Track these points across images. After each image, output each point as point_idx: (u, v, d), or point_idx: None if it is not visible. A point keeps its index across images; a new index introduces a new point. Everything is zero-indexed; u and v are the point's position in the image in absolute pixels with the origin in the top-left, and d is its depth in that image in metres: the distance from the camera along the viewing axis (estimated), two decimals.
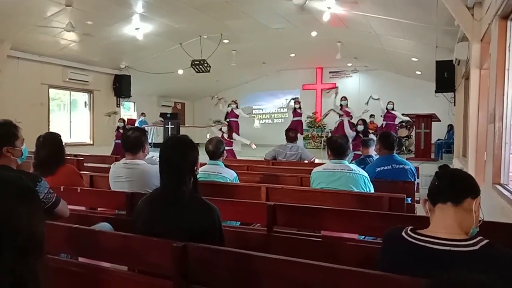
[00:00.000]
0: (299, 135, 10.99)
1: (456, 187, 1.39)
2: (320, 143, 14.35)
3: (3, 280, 0.78)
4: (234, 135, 8.57)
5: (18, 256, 0.80)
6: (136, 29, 9.66)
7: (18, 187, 0.89)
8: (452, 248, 1.31)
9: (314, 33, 10.69)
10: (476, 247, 1.30)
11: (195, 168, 1.92)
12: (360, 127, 7.25)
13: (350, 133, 7.71)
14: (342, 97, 10.78)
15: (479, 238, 1.34)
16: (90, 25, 8.93)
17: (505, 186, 3.50)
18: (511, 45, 3.63)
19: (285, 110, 16.32)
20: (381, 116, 10.76)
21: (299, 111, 11.26)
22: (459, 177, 1.43)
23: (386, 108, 10.53)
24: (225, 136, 8.17)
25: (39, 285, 0.84)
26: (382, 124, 10.55)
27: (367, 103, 10.86)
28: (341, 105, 10.49)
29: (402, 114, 10.67)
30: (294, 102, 11.45)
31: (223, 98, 12.25)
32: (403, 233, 1.43)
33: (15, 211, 0.83)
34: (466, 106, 7.10)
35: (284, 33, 10.72)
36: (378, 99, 10.76)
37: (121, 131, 9.57)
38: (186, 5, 8.49)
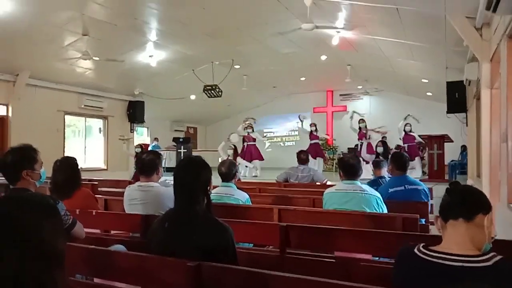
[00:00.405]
0: (319, 159, 10.96)
1: (467, 203, 1.40)
2: (332, 165, 14.31)
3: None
4: (238, 159, 8.64)
5: (43, 266, 0.86)
6: (150, 56, 9.93)
7: (43, 205, 0.97)
8: (464, 264, 1.31)
9: (323, 57, 10.84)
10: (489, 263, 1.30)
11: (208, 188, 1.96)
12: (380, 149, 7.20)
13: (366, 157, 7.65)
14: (360, 119, 10.74)
15: (492, 254, 1.34)
16: (106, 53, 9.20)
17: None
18: None
19: (297, 133, 16.37)
20: (400, 138, 10.40)
21: (315, 133, 11.18)
22: (470, 193, 1.43)
23: (404, 130, 10.15)
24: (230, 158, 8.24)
25: None
26: (404, 147, 10.05)
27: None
28: (359, 127, 10.47)
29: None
30: (310, 125, 11.43)
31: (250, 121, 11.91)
32: (416, 250, 1.44)
33: (41, 225, 0.90)
34: (478, 126, 7.05)
35: (294, 57, 10.88)
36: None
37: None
38: (198, 32, 8.72)
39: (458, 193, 1.42)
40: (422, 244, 1.45)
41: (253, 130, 10.91)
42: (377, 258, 2.59)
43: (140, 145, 10.53)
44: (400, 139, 10.41)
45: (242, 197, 3.52)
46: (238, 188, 3.65)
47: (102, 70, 10.56)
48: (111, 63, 9.73)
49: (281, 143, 17.76)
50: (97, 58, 8.95)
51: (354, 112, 11.17)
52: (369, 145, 9.68)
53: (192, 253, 1.72)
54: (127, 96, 13.12)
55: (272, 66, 11.87)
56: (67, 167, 3.12)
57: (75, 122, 12.53)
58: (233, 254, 1.86)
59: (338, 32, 8.25)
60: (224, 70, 11.29)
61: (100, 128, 13.02)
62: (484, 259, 1.32)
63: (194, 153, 13.24)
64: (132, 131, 13.55)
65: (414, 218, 2.82)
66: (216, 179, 2.60)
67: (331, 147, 15.81)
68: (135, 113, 13.16)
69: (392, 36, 7.94)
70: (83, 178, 3.64)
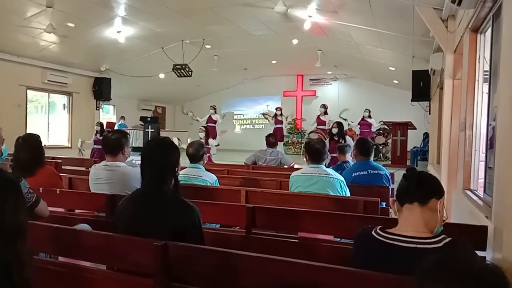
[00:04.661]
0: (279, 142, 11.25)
1: (422, 188, 1.49)
2: (300, 149, 14.52)
3: None
4: (210, 140, 8.64)
5: (4, 242, 0.85)
6: (117, 32, 9.61)
7: (2, 179, 0.94)
8: (417, 246, 1.41)
9: (295, 41, 10.86)
10: (440, 244, 1.40)
11: (176, 169, 1.97)
12: (335, 130, 7.34)
13: None
14: (321, 104, 11.06)
15: (442, 236, 1.44)
16: (71, 27, 8.84)
17: (474, 191, 3.64)
18: (481, 57, 3.80)
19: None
20: (357, 124, 11.05)
21: (280, 118, 11.51)
22: (425, 179, 1.52)
23: (362, 116, 10.75)
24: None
25: (24, 270, 0.89)
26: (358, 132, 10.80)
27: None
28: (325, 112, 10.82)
29: (379, 122, 10.94)
30: (276, 109, 11.72)
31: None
32: (373, 232, 1.52)
33: (1, 199, 0.88)
34: (440, 114, 7.33)
35: (266, 40, 10.84)
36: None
37: (98, 135, 9.41)
38: (168, 9, 8.51)
39: (414, 179, 1.51)
40: (379, 227, 1.54)
41: (215, 112, 11.30)
42: (338, 239, 2.70)
43: (100, 123, 10.16)
44: (356, 124, 11.06)
45: (210, 179, 3.55)
46: (206, 169, 3.67)
47: (67, 44, 10.14)
48: (77, 37, 9.36)
49: (251, 126, 17.80)
50: (71, 25, 8.42)
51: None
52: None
53: (159, 233, 1.74)
54: (93, 72, 12.69)
55: (244, 47, 11.79)
56: (30, 144, 3.03)
57: (38, 97, 12.05)
58: (199, 234, 1.89)
59: (310, 16, 8.27)
60: (194, 50, 11.12)
61: (64, 105, 12.59)
62: (435, 241, 1.41)
63: (162, 133, 13.10)
64: (97, 108, 13.18)
65: (375, 201, 2.94)
66: (184, 160, 2.61)
67: (299, 131, 15.99)
68: (101, 90, 12.75)
69: (362, 23, 8.04)
70: (46, 156, 3.56)
